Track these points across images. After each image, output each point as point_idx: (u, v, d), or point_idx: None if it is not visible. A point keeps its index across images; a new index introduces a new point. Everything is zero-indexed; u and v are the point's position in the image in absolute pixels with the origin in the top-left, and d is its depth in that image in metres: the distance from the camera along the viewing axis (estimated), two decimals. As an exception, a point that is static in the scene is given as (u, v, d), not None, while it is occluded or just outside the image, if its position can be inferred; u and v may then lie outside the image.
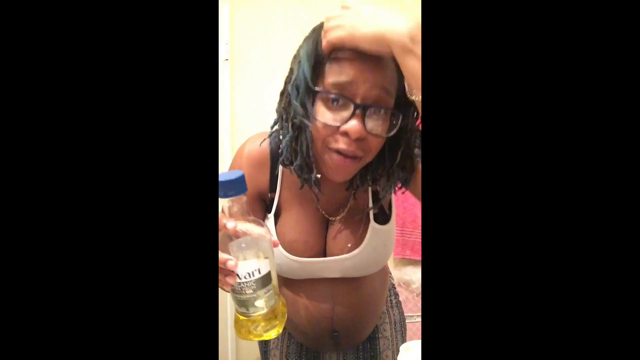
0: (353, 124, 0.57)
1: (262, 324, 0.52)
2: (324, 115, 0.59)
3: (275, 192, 0.74)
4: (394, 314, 0.91)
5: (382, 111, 0.59)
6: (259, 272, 0.49)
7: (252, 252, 0.50)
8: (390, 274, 0.96)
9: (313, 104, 0.60)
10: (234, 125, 1.64)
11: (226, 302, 1.54)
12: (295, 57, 0.65)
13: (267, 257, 0.51)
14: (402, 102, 0.60)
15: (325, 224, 0.76)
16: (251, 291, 0.49)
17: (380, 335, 0.88)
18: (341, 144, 0.59)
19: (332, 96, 0.58)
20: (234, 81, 1.63)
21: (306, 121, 0.60)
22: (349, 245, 0.73)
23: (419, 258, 1.44)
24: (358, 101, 0.57)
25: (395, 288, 0.96)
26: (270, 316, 0.52)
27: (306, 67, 0.59)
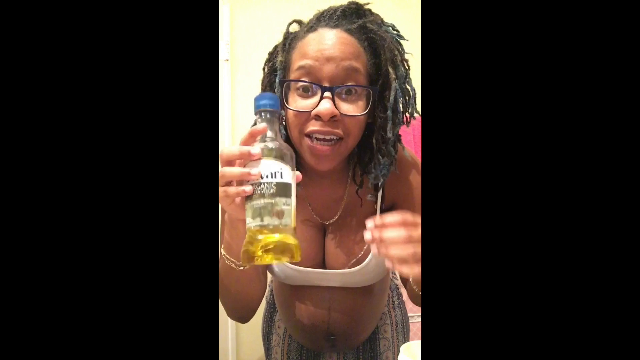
0: (324, 106, 0.57)
1: (273, 246, 0.48)
2: (296, 103, 0.60)
3: None
4: (395, 315, 0.91)
5: (355, 90, 0.60)
6: (281, 177, 0.48)
7: (276, 153, 0.48)
8: (395, 274, 0.96)
9: (285, 95, 0.61)
10: (234, 125, 1.64)
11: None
12: (267, 60, 0.67)
13: (290, 167, 0.49)
14: (375, 79, 0.62)
15: (322, 233, 0.74)
16: (270, 195, 0.47)
17: (380, 337, 0.88)
18: (315, 127, 0.59)
19: (301, 84, 0.59)
20: (234, 81, 1.63)
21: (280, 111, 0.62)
22: (352, 262, 0.71)
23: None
24: (325, 84, 0.58)
25: (398, 289, 0.95)
26: (284, 241, 0.48)
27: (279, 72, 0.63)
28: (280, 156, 0.49)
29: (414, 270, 0.50)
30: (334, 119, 0.59)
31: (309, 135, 0.60)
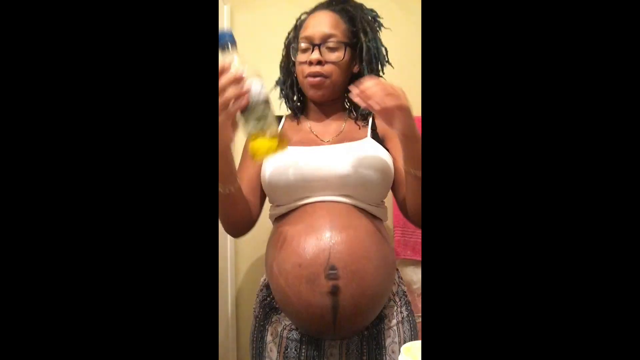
0: (313, 55, 0.93)
1: (270, 143, 0.70)
2: (300, 58, 0.96)
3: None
4: (402, 315, 0.92)
5: (335, 47, 0.94)
6: (261, 91, 0.68)
7: (254, 76, 0.69)
8: (402, 279, 0.97)
9: (294, 54, 0.98)
10: (234, 125, 1.65)
11: (226, 302, 1.54)
12: (286, 37, 1.04)
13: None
14: (354, 43, 0.97)
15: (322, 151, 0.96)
16: (262, 105, 0.68)
17: (388, 343, 0.89)
18: (310, 69, 0.94)
19: (303, 46, 0.96)
20: (234, 81, 1.64)
21: (292, 67, 1.02)
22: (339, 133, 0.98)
23: (420, 258, 1.44)
24: (316, 42, 0.94)
25: (406, 296, 0.96)
26: (278, 138, 0.71)
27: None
28: (256, 73, 0.69)
29: (395, 116, 0.74)
30: (320, 64, 0.93)
31: (308, 76, 0.95)
